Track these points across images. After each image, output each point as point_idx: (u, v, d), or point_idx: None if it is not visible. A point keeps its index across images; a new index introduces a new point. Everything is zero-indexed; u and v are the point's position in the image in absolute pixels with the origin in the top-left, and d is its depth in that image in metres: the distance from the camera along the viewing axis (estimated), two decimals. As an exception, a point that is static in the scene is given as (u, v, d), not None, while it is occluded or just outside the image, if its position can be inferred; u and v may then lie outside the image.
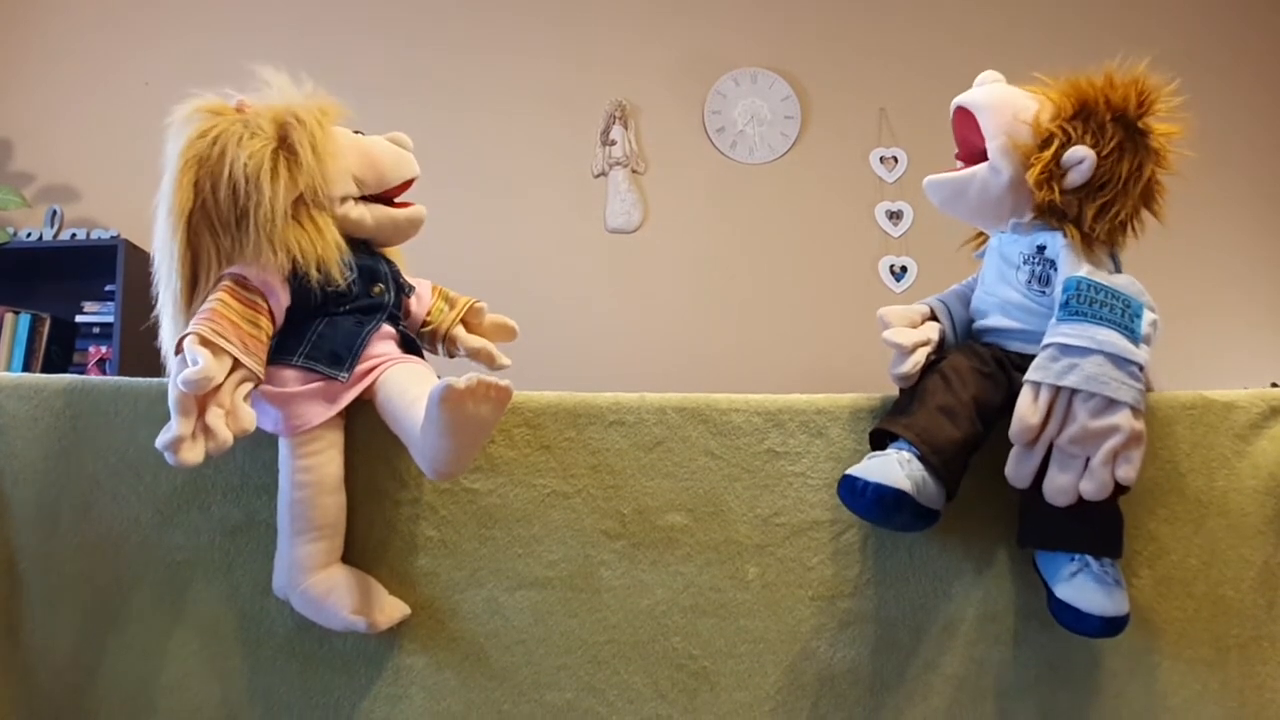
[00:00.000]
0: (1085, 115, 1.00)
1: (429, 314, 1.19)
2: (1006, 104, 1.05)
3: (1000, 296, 1.06)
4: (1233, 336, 3.06)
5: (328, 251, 0.99)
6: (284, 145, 0.98)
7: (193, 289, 0.97)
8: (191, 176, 0.96)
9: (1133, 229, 1.03)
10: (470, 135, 3.15)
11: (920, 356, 1.02)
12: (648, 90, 3.23)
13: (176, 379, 0.87)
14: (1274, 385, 2.61)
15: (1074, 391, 0.91)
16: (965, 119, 1.08)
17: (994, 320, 1.07)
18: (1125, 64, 1.01)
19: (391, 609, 1.01)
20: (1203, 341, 2.99)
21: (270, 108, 1.01)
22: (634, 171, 3.18)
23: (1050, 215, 1.01)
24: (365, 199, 1.08)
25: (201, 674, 1.04)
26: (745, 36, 3.27)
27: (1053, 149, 0.99)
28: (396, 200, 1.12)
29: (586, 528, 1.06)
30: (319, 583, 0.97)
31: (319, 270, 0.98)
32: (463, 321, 1.22)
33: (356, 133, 1.09)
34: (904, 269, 3.11)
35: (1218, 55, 3.24)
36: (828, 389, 1.27)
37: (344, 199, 1.05)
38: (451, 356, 1.23)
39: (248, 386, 0.94)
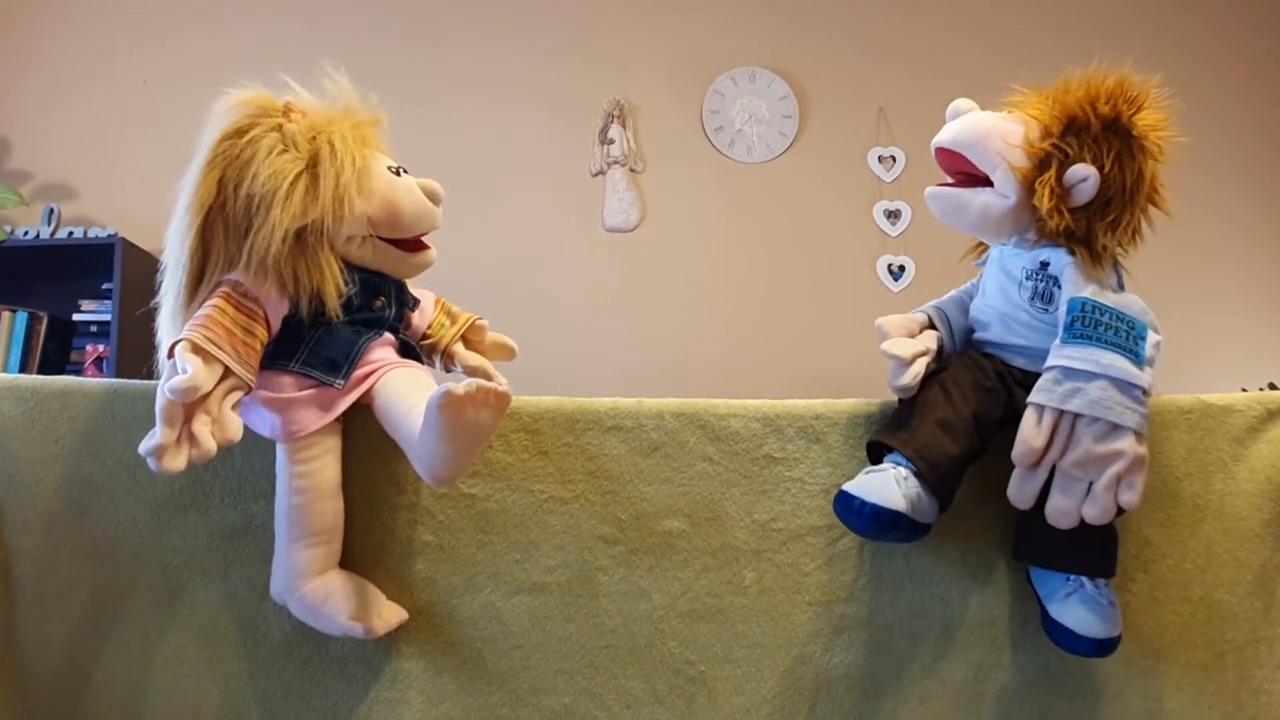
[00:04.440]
0: (1076, 130, 0.98)
1: (430, 328, 1.19)
2: (991, 133, 1.03)
3: (1001, 310, 1.06)
4: (1231, 336, 3.07)
5: (324, 285, 0.98)
6: (310, 170, 0.96)
7: (197, 285, 0.97)
8: (217, 174, 0.95)
9: (1141, 233, 1.02)
10: (468, 133, 3.15)
11: (919, 368, 1.02)
12: (646, 89, 3.23)
13: (164, 385, 0.86)
14: (1271, 386, 2.62)
15: (1078, 416, 0.91)
16: (950, 155, 1.07)
17: (995, 334, 1.07)
18: (1102, 66, 0.99)
19: (389, 614, 1.01)
20: (1201, 341, 2.99)
21: (314, 123, 0.99)
22: (632, 170, 3.17)
23: (1060, 236, 1.00)
24: (375, 237, 1.05)
25: (198, 678, 1.04)
26: (744, 36, 3.26)
27: (1053, 170, 0.98)
28: (407, 239, 1.09)
29: (584, 533, 1.06)
30: (317, 588, 0.97)
31: (311, 302, 0.97)
32: (463, 338, 1.21)
33: (394, 168, 1.07)
34: (902, 268, 3.11)
35: (1216, 55, 3.24)
36: (824, 387, 1.27)
37: (350, 238, 1.02)
38: (449, 371, 1.22)
39: (237, 395, 0.93)
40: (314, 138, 0.98)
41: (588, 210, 3.16)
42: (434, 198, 1.09)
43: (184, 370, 0.87)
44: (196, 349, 0.89)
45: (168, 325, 0.98)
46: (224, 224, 0.96)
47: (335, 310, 0.99)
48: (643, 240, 3.14)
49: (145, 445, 0.86)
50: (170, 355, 0.90)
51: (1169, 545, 1.05)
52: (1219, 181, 3.13)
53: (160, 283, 0.99)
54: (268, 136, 0.96)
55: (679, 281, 3.11)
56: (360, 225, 1.03)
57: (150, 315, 1.01)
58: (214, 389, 0.90)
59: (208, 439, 0.88)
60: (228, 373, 0.91)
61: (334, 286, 0.99)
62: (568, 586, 1.05)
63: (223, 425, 0.90)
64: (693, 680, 1.04)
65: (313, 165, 0.97)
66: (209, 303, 0.94)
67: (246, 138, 0.96)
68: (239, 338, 0.93)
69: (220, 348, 0.91)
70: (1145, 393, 0.92)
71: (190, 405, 0.88)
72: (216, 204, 0.95)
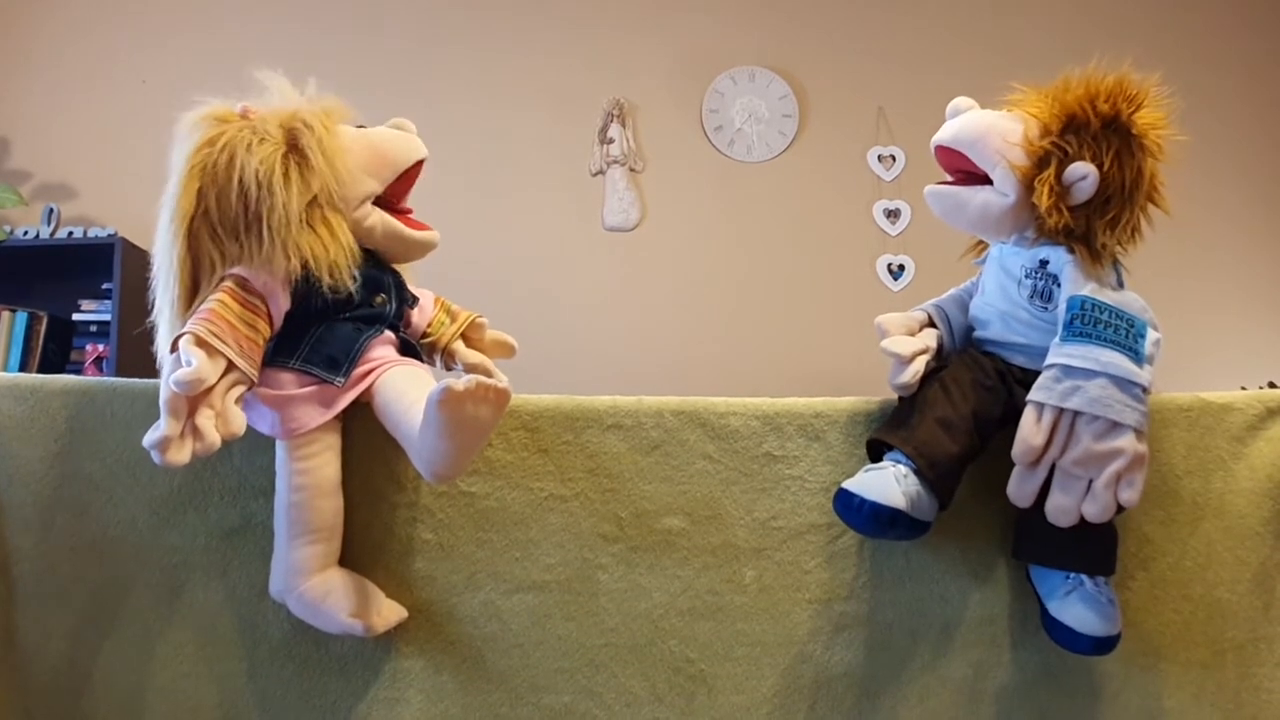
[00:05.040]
0: (1076, 128, 0.98)
1: (430, 326, 1.19)
2: (990, 131, 1.03)
3: (1001, 308, 1.06)
4: (1230, 335, 3.07)
5: (339, 255, 0.98)
6: (293, 150, 0.98)
7: (191, 295, 0.97)
8: (196, 183, 0.96)
9: (1140, 232, 1.02)
10: (467, 133, 3.15)
11: (919, 365, 1.02)
12: (646, 88, 3.23)
13: (169, 378, 0.87)
14: (1271, 385, 2.62)
15: (1077, 414, 0.91)
16: (950, 154, 1.07)
17: (995, 332, 1.07)
18: (1101, 65, 1.00)
19: (389, 612, 1.01)
20: (1200, 340, 2.99)
21: (275, 113, 1.01)
22: (632, 170, 3.17)
23: (1059, 234, 1.00)
24: (381, 204, 1.07)
25: (197, 676, 1.04)
26: (743, 35, 3.26)
27: (1052, 168, 0.98)
28: (412, 218, 1.11)
29: (584, 531, 1.06)
30: (316, 585, 0.97)
31: (330, 275, 0.98)
32: (463, 336, 1.21)
33: (359, 127, 1.09)
34: (901, 268, 3.11)
35: (1216, 55, 3.24)
36: (824, 387, 1.27)
37: (361, 202, 1.04)
38: (449, 369, 1.22)
39: (240, 389, 0.93)
40: (281, 123, 0.99)
41: (587, 210, 3.16)
42: (404, 129, 1.11)
43: (188, 363, 0.87)
44: (200, 342, 0.89)
45: (166, 337, 0.99)
46: (210, 230, 0.97)
47: (349, 281, 0.99)
48: (642, 240, 3.14)
49: (149, 438, 0.86)
50: (174, 349, 0.90)
51: (1169, 543, 1.05)
52: (1219, 181, 3.13)
53: (153, 299, 1.00)
54: (241, 135, 0.97)
55: (679, 281, 3.11)
56: (364, 183, 1.04)
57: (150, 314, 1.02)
58: (217, 383, 0.90)
59: (211, 432, 0.89)
60: (231, 366, 0.92)
61: (348, 253, 0.99)
62: (567, 585, 1.05)
63: (226, 419, 0.91)
64: (693, 678, 1.04)
65: (293, 144, 0.98)
66: (212, 296, 0.94)
67: (220, 143, 0.96)
68: (242, 332, 0.94)
69: (224, 341, 0.91)
70: (1145, 390, 0.92)
71: (194, 399, 0.89)
72: (198, 212, 0.96)
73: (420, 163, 1.10)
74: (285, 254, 0.96)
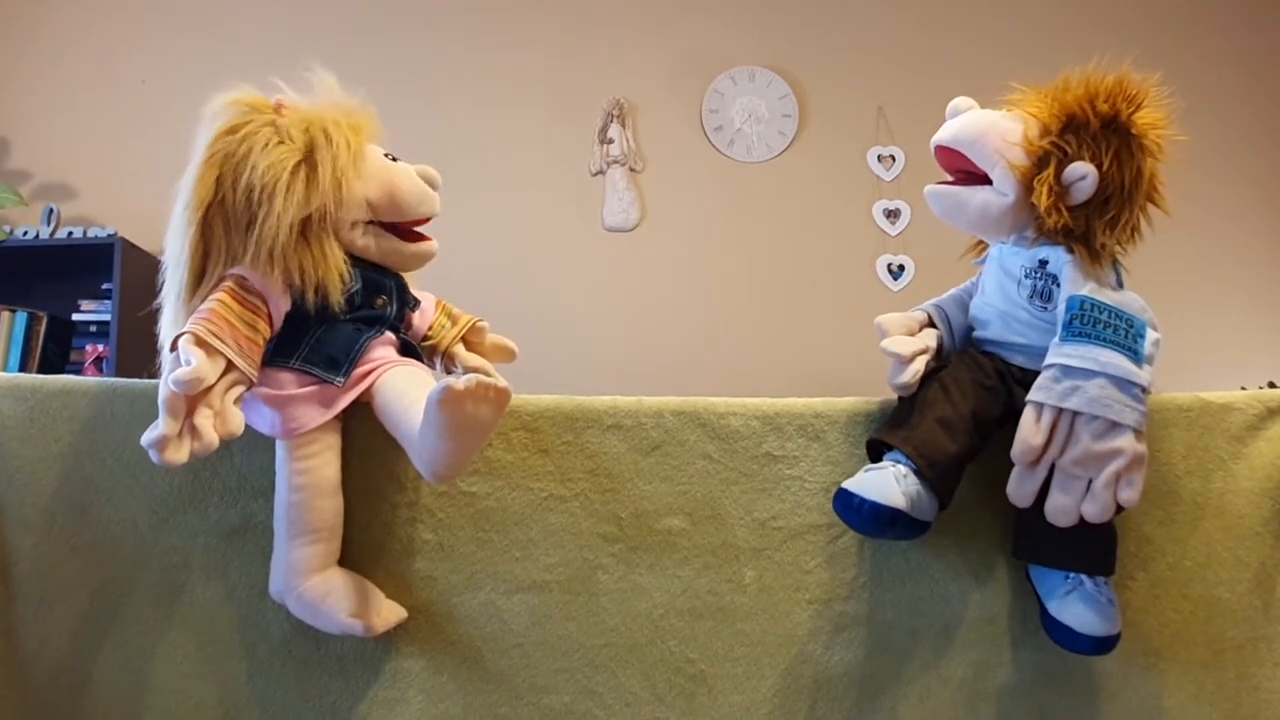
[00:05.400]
0: (1075, 128, 0.98)
1: (430, 329, 1.19)
2: (990, 131, 1.03)
3: (1000, 308, 1.06)
4: (1230, 335, 3.07)
5: (328, 276, 0.98)
6: (308, 160, 0.97)
7: (198, 281, 0.97)
8: (215, 171, 0.95)
9: (1140, 232, 1.02)
10: (467, 132, 3.15)
11: (919, 365, 1.02)
12: (645, 88, 3.23)
13: (168, 378, 0.87)
14: (1271, 385, 2.62)
15: (1076, 414, 0.91)
16: (950, 153, 1.07)
17: (994, 332, 1.07)
18: (1101, 65, 1.00)
19: (388, 612, 1.01)
20: (1201, 340, 2.99)
21: (306, 116, 1.00)
22: (631, 170, 3.17)
23: (1058, 234, 1.00)
24: (377, 224, 1.06)
25: (197, 677, 1.04)
26: (743, 35, 3.26)
27: (1051, 167, 0.98)
28: (410, 230, 1.10)
29: (584, 531, 1.06)
30: (316, 585, 0.97)
31: (316, 294, 0.98)
32: (463, 340, 1.22)
33: (388, 156, 1.08)
34: (901, 268, 3.11)
35: (1216, 54, 3.24)
36: (824, 387, 1.27)
37: (354, 224, 1.04)
38: (449, 374, 1.22)
39: (239, 389, 0.93)
40: (307, 129, 0.99)
41: (587, 210, 3.16)
42: (431, 183, 1.10)
43: (187, 362, 0.87)
44: (200, 342, 0.89)
45: (169, 323, 0.99)
46: (223, 220, 0.96)
47: (338, 302, 0.99)
48: (642, 240, 3.14)
49: (148, 437, 0.86)
50: (173, 348, 0.90)
51: (1168, 543, 1.05)
52: (1219, 181, 3.13)
53: (161, 283, 1.00)
54: (262, 131, 0.97)
55: (679, 281, 3.11)
56: (361, 209, 1.03)
57: (150, 315, 1.02)
58: (216, 382, 0.90)
59: (210, 431, 0.89)
60: (230, 366, 0.92)
61: (338, 276, 0.99)
62: (568, 585, 1.05)
63: (225, 419, 0.91)
64: (693, 678, 1.04)
65: (309, 154, 0.98)
66: (213, 296, 0.94)
67: (241, 134, 0.96)
68: (242, 332, 0.94)
69: (223, 341, 0.91)
70: (1144, 390, 0.92)
71: (193, 398, 0.89)
72: (215, 201, 0.96)
73: (427, 218, 1.10)
74: (271, 265, 0.95)
